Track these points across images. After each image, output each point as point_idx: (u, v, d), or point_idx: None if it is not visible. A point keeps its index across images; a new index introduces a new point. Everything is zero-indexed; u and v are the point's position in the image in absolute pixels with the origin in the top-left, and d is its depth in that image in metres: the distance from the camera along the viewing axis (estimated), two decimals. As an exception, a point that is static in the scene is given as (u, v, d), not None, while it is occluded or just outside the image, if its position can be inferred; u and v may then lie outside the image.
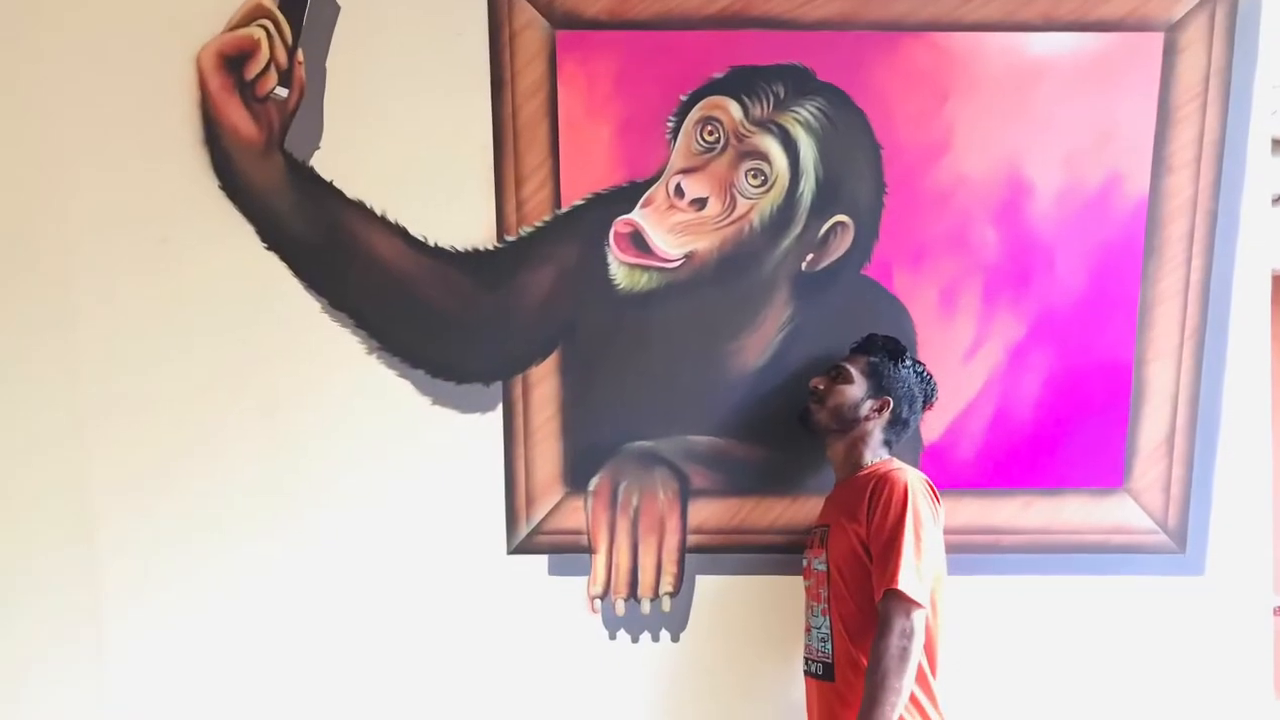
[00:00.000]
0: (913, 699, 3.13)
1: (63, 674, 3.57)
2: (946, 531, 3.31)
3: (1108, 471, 3.56)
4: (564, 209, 3.41)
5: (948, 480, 3.51)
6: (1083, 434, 3.54)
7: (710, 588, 3.59)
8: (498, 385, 3.48)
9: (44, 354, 3.40)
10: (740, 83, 3.38)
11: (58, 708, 3.58)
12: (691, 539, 3.56)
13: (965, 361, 3.51)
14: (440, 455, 3.49)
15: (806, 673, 3.42)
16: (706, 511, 3.56)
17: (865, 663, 3.12)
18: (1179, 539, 3.58)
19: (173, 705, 3.58)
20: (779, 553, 3.56)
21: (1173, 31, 3.35)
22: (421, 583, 3.55)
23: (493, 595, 3.55)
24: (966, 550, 3.54)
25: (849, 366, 3.33)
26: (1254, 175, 3.40)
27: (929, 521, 3.14)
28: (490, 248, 3.42)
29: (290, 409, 3.46)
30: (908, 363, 3.34)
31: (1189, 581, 3.59)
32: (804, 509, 3.55)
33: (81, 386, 3.42)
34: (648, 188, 3.42)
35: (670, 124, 3.40)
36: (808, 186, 3.42)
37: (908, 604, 3.05)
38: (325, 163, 3.37)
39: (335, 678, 3.58)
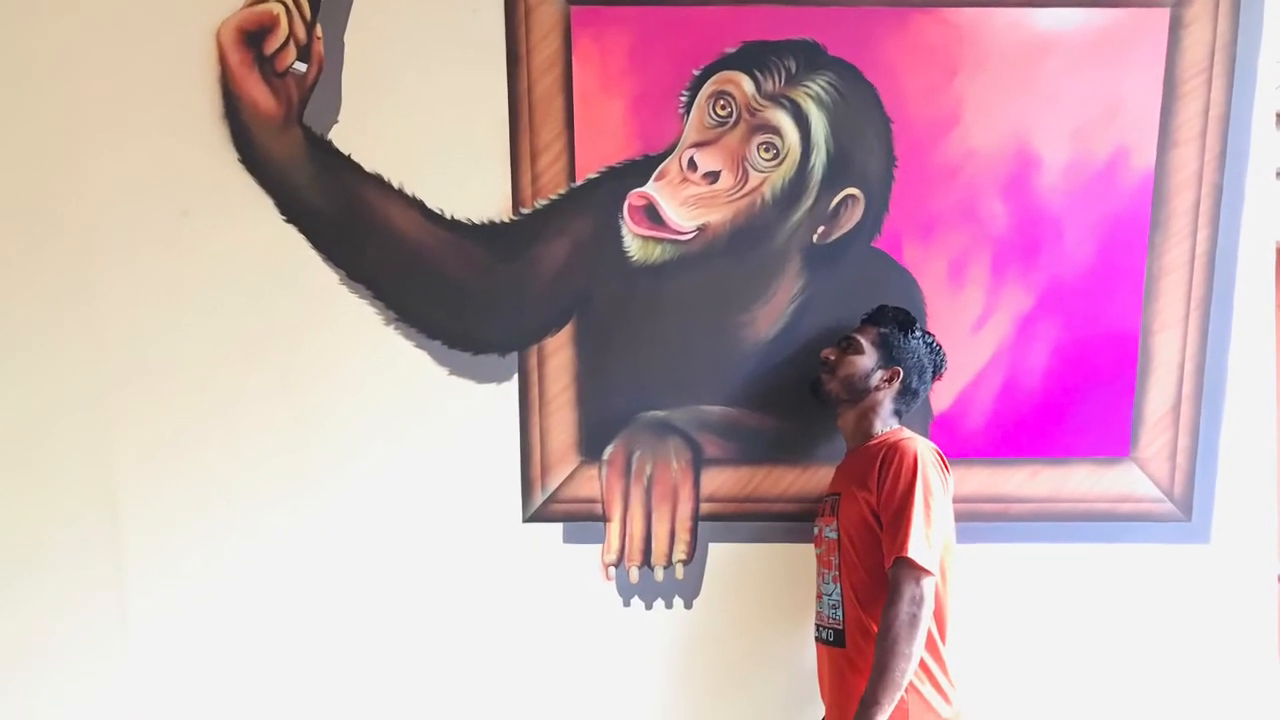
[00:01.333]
0: (922, 665, 3.16)
1: (86, 637, 3.61)
2: (956, 500, 3.35)
3: (1114, 440, 3.58)
4: (578, 182, 3.44)
5: (957, 449, 3.55)
6: (1090, 403, 3.57)
7: (723, 556, 3.62)
8: (513, 356, 3.52)
9: (66, 324, 3.43)
10: (752, 58, 3.41)
11: (82, 670, 3.63)
12: (704, 507, 3.59)
13: (974, 332, 3.53)
14: (456, 425, 3.52)
15: (817, 639, 3.46)
16: (719, 480, 3.59)
17: (876, 629, 3.15)
18: (1185, 507, 3.61)
19: (193, 668, 3.63)
20: (790, 521, 3.59)
21: (1178, 7, 3.38)
22: (437, 551, 3.58)
23: (508, 563, 3.59)
24: (975, 518, 3.58)
25: (859, 337, 3.36)
26: (1258, 149, 3.42)
27: (938, 490, 3.17)
28: (506, 220, 3.46)
29: (309, 379, 3.49)
30: (917, 333, 3.37)
31: (1195, 549, 3.62)
32: (815, 478, 3.58)
33: (103, 357, 3.45)
34: (661, 161, 3.44)
35: (683, 98, 3.43)
36: (819, 160, 3.44)
37: (918, 571, 3.08)
38: (343, 136, 3.40)
39: (353, 644, 3.63)
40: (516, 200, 3.46)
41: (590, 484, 3.57)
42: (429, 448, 3.54)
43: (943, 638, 3.24)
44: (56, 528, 3.52)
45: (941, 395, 3.55)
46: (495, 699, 3.65)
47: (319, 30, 3.35)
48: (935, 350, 3.39)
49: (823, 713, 3.46)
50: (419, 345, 3.49)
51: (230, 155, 3.39)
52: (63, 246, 3.40)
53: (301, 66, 3.36)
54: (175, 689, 3.64)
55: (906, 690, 3.11)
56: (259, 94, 3.38)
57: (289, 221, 3.44)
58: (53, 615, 3.59)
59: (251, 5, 3.33)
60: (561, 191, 3.46)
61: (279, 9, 3.33)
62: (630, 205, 3.44)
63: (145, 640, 3.61)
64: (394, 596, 3.60)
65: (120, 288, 3.42)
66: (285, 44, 3.35)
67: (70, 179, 3.37)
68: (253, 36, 3.34)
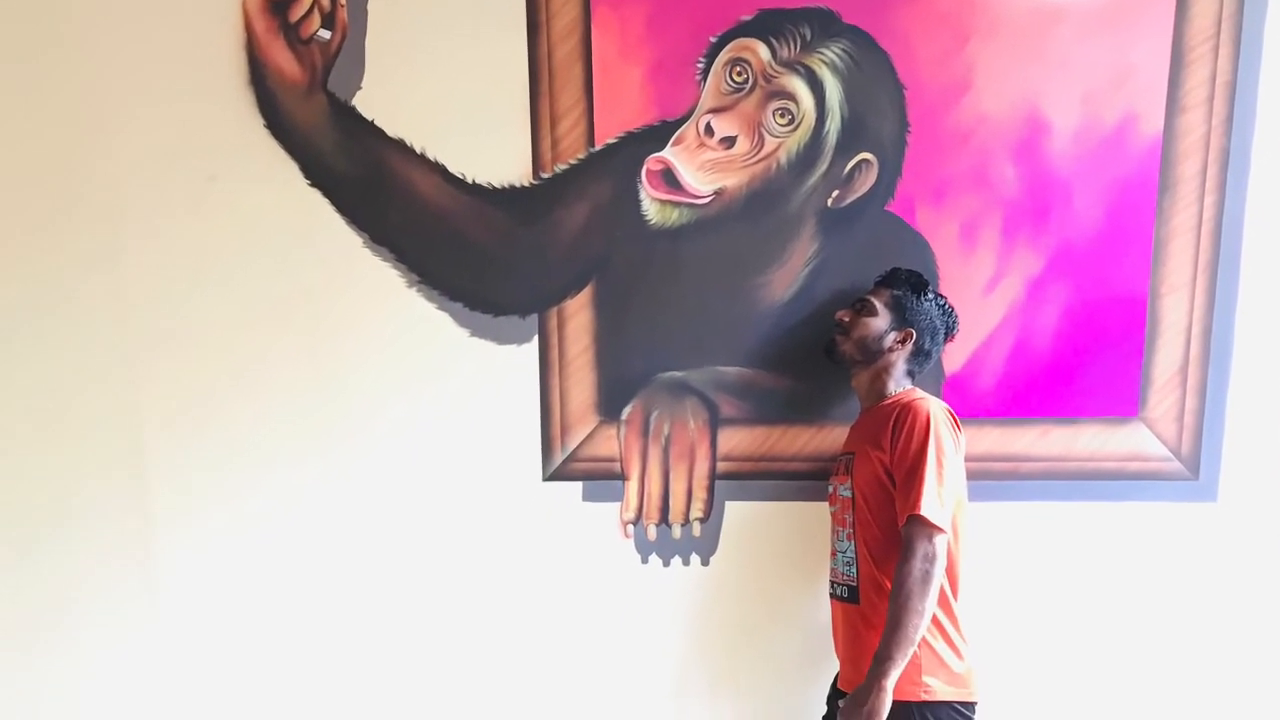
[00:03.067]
0: (934, 620, 3.22)
1: (113, 596, 3.71)
2: (967, 459, 3.41)
3: (1123, 401, 3.64)
4: (598, 147, 3.49)
5: (968, 409, 3.61)
6: (1099, 364, 3.62)
7: (739, 514, 3.69)
8: (533, 318, 3.57)
9: (94, 287, 3.51)
10: (768, 25, 3.45)
11: (109, 627, 3.74)
12: (721, 466, 3.64)
13: (985, 294, 3.59)
14: (477, 385, 3.59)
15: (832, 595, 3.51)
16: (735, 439, 3.65)
17: (889, 586, 3.21)
18: (1192, 466, 3.65)
19: (219, 622, 3.73)
20: (806, 480, 3.64)
21: (1186, -25, 3.36)
22: (459, 510, 3.66)
23: (528, 522, 3.65)
24: (987, 477, 3.64)
25: (873, 299, 3.41)
26: (1264, 114, 3.46)
27: (950, 449, 3.22)
28: (526, 184, 3.50)
29: (333, 341, 3.56)
30: (930, 296, 3.41)
31: (1202, 508, 3.68)
32: (830, 437, 3.64)
33: (131, 319, 3.53)
34: (678, 126, 3.49)
35: (700, 65, 3.47)
36: (833, 125, 3.49)
37: (930, 529, 3.13)
38: (366, 102, 3.46)
39: (376, 602, 3.71)
40: (537, 165, 3.50)
41: (609, 443, 3.63)
42: (451, 408, 3.59)
43: (955, 594, 3.29)
44: (85, 486, 3.61)
45: (954, 356, 3.61)
46: (515, 654, 3.73)
47: None
48: (947, 312, 3.43)
49: (837, 667, 3.52)
50: (441, 308, 3.55)
51: (256, 121, 3.44)
52: (91, 212, 3.47)
53: (326, 34, 3.40)
54: (201, 645, 3.74)
55: (919, 645, 3.16)
56: (284, 61, 3.43)
57: (313, 186, 3.49)
58: (81, 573, 3.68)
59: None
60: (580, 156, 3.50)
61: None
62: (648, 170, 3.49)
63: (171, 597, 3.71)
64: (417, 554, 3.68)
65: (148, 251, 3.49)
66: (310, 11, 3.39)
67: (99, 145, 3.44)
68: (279, 4, 3.39)
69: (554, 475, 3.64)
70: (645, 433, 3.62)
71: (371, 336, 3.56)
